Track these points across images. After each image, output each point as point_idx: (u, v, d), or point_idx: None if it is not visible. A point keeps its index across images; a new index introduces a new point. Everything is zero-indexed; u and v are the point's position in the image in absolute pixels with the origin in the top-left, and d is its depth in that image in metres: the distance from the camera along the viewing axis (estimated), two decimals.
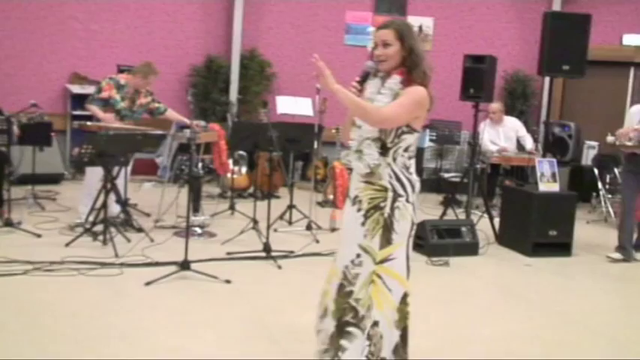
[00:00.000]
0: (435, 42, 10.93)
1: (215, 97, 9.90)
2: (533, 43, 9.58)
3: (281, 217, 7.02)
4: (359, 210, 3.17)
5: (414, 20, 10.81)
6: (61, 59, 9.50)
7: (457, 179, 8.23)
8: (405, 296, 3.18)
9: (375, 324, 3.08)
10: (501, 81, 10.92)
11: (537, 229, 6.35)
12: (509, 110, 10.29)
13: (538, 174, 6.49)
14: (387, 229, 3.09)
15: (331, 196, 8.38)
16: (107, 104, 6.49)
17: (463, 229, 6.37)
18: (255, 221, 6.32)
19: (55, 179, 8.69)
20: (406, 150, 3.14)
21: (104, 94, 6.47)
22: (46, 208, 7.14)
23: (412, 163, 3.17)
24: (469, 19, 11.06)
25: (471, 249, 6.28)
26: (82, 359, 3.52)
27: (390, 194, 3.10)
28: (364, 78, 3.27)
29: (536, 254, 6.31)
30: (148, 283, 4.74)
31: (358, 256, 3.15)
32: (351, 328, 3.14)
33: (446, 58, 10.90)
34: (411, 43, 3.12)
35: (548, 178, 6.49)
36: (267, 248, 5.64)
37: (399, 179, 3.11)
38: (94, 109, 6.49)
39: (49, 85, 9.49)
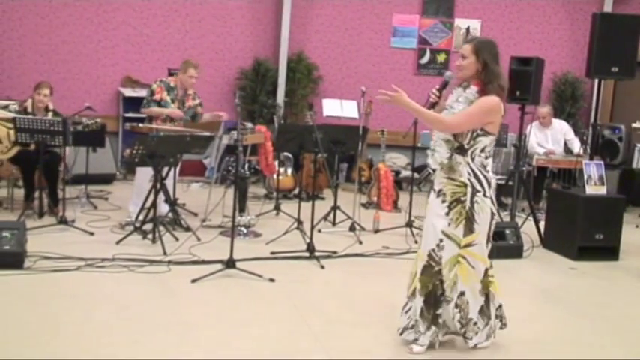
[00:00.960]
0: None
1: (262, 99, 10.05)
2: (584, 44, 9.44)
3: (325, 218, 7.09)
4: (443, 202, 3.73)
5: (461, 22, 10.79)
6: (114, 63, 9.79)
7: (502, 182, 8.17)
8: (486, 271, 3.84)
9: (462, 294, 3.76)
10: (550, 83, 10.79)
11: (583, 232, 6.27)
12: (558, 113, 10.17)
13: (585, 177, 6.41)
14: (470, 221, 3.68)
15: (375, 198, 8.42)
16: (159, 106, 6.67)
17: (507, 231, 6.33)
18: (299, 222, 6.41)
19: (107, 179, 8.95)
20: (482, 151, 3.68)
21: (157, 97, 6.66)
22: (98, 207, 7.37)
23: (489, 162, 3.71)
24: (517, 20, 10.95)
25: (514, 251, 6.24)
26: (132, 350, 3.65)
27: (469, 190, 3.66)
28: (443, 86, 3.81)
29: (582, 258, 6.23)
30: (194, 281, 4.87)
31: (441, 241, 3.73)
32: (442, 299, 3.79)
33: None
34: (485, 59, 3.64)
35: (595, 181, 6.40)
36: (310, 248, 5.72)
37: (476, 176, 3.66)
38: (155, 109, 6.67)
39: (103, 88, 9.80)
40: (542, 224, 6.89)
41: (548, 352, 4.04)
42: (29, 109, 6.78)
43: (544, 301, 5.15)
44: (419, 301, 3.81)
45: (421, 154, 8.54)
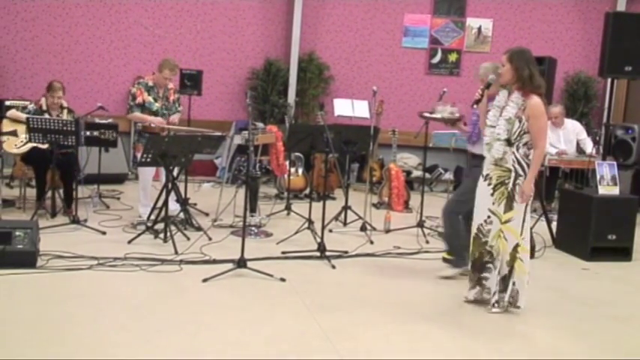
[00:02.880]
0: (494, 43, 10.82)
1: (273, 99, 10.07)
2: (596, 44, 9.40)
3: (336, 218, 7.09)
4: (489, 184, 4.51)
5: (472, 22, 10.76)
6: (126, 63, 9.84)
7: None
8: (516, 246, 4.50)
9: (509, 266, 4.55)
10: (562, 83, 10.74)
11: (596, 232, 6.24)
12: (571, 112, 10.12)
13: (598, 177, 6.37)
14: (510, 200, 4.43)
15: (386, 198, 8.41)
16: (144, 108, 6.66)
17: None
18: (310, 221, 6.42)
19: (119, 179, 8.99)
20: (525, 144, 4.42)
21: (139, 100, 6.64)
22: (110, 207, 7.41)
23: (531, 152, 4.43)
24: (529, 20, 10.91)
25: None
26: (143, 349, 3.67)
27: (513, 174, 4.42)
28: (486, 86, 4.64)
29: (595, 258, 6.20)
30: (205, 280, 4.88)
31: (489, 217, 4.52)
32: (488, 265, 4.60)
33: None
34: (517, 65, 4.39)
35: (608, 182, 6.36)
36: (321, 248, 5.72)
37: (520, 164, 4.42)
38: (138, 115, 6.66)
39: (115, 88, 9.85)
40: (554, 224, 6.86)
41: (560, 353, 4.02)
42: (44, 107, 6.84)
43: (556, 302, 5.12)
44: (468, 266, 4.81)
45: (432, 154, 8.56)
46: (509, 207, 4.43)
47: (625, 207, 6.39)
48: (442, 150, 8.08)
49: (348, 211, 7.18)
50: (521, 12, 10.90)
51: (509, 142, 4.40)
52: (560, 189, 7.83)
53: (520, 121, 4.37)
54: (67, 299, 4.40)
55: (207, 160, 9.57)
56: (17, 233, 5.00)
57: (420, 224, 6.86)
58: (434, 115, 5.66)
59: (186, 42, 10.05)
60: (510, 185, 4.41)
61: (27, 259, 4.95)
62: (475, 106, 4.70)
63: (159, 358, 3.59)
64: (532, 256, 6.17)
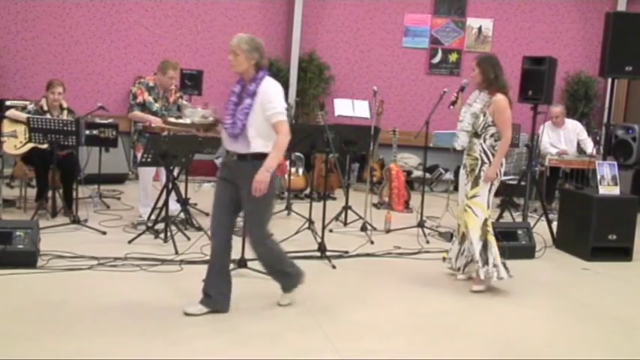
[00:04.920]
0: (495, 43, 10.83)
1: None
2: (597, 43, 9.40)
3: (336, 218, 7.09)
4: (465, 172, 5.13)
5: (473, 22, 10.76)
6: (127, 63, 9.84)
7: (514, 182, 8.13)
8: (485, 220, 5.09)
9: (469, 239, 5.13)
10: (562, 82, 10.74)
11: (596, 232, 6.24)
12: (571, 112, 10.12)
13: (598, 177, 6.37)
14: (476, 179, 5.05)
15: (387, 198, 8.41)
16: (144, 108, 6.66)
17: (519, 232, 6.30)
18: (310, 221, 6.42)
19: (119, 179, 9.00)
20: (492, 136, 5.03)
21: (139, 99, 6.63)
22: (110, 207, 7.42)
23: (498, 144, 5.02)
24: (529, 20, 10.91)
25: (527, 252, 6.22)
26: (143, 349, 3.67)
27: (479, 162, 5.04)
28: (461, 89, 5.39)
29: (595, 258, 6.20)
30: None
31: (464, 201, 5.14)
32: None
33: (505, 59, 10.67)
34: (484, 69, 5.04)
35: (608, 182, 6.36)
36: (322, 248, 5.72)
37: (485, 153, 5.04)
38: (138, 114, 6.65)
39: (115, 88, 9.85)
40: (554, 225, 6.86)
41: (560, 353, 4.02)
42: (45, 108, 6.83)
43: (557, 302, 5.12)
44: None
45: (433, 153, 8.55)
46: (475, 184, 5.05)
47: (625, 207, 6.39)
48: (442, 150, 8.07)
49: (349, 211, 7.18)
50: (521, 12, 10.91)
51: (476, 134, 5.06)
52: (561, 189, 7.83)
53: (484, 115, 5.00)
54: (68, 299, 4.40)
55: (208, 160, 9.57)
56: (18, 233, 5.01)
57: (421, 224, 6.86)
58: (181, 121, 4.51)
59: (186, 42, 10.06)
60: (477, 170, 5.03)
61: (27, 259, 4.96)
62: (451, 106, 5.36)
63: (159, 358, 3.59)
64: (532, 256, 6.23)
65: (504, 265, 5.13)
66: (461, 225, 5.23)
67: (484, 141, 5.04)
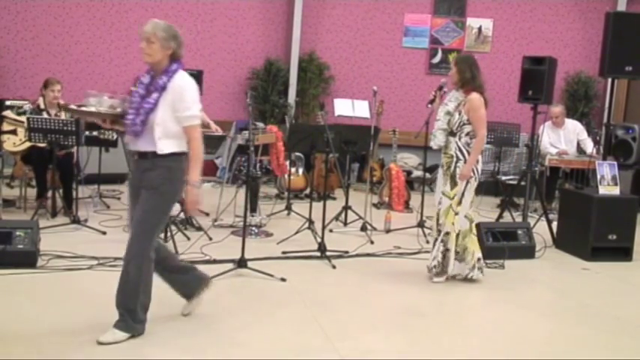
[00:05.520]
0: (494, 43, 10.84)
1: (274, 99, 10.07)
2: (597, 43, 9.39)
3: (336, 218, 7.09)
4: (443, 170, 5.17)
5: (473, 22, 10.76)
6: (127, 63, 9.84)
7: (514, 182, 8.13)
8: (470, 223, 5.19)
9: (447, 234, 5.17)
10: (562, 82, 10.74)
11: (596, 232, 6.24)
12: (571, 112, 10.12)
13: (598, 177, 6.37)
14: (453, 179, 5.09)
15: (387, 198, 8.41)
16: None
17: (519, 232, 6.30)
18: (310, 221, 6.42)
19: (119, 179, 8.98)
20: (467, 134, 5.08)
21: None
22: (110, 207, 7.41)
23: (473, 141, 5.07)
24: (529, 20, 10.91)
25: (527, 252, 6.21)
26: (143, 349, 3.67)
27: (454, 160, 5.09)
28: (439, 89, 5.47)
29: (595, 258, 6.20)
30: None
31: (440, 198, 5.19)
32: (435, 243, 5.25)
33: (505, 60, 10.83)
34: (461, 68, 5.10)
35: (608, 182, 6.36)
36: (322, 248, 5.72)
37: (461, 151, 5.09)
38: None
39: (115, 88, 9.79)
40: (554, 225, 6.86)
41: (559, 353, 4.02)
42: (42, 106, 6.82)
43: (556, 302, 5.13)
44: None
45: (433, 153, 8.53)
46: (453, 184, 5.11)
47: (625, 207, 6.39)
48: None
49: (349, 211, 7.18)
50: (521, 12, 10.91)
51: (452, 133, 5.12)
52: (561, 189, 7.83)
53: (459, 114, 5.08)
54: (68, 299, 4.40)
55: (208, 160, 9.57)
56: (18, 233, 5.01)
57: (421, 224, 6.86)
58: (85, 109, 3.89)
59: (186, 42, 9.86)
60: (453, 168, 5.08)
61: (27, 259, 4.96)
62: (429, 105, 5.47)
63: (159, 358, 3.59)
64: (532, 256, 6.23)
65: (480, 265, 5.29)
66: (443, 226, 5.18)
67: (459, 139, 5.10)
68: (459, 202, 5.12)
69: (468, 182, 5.10)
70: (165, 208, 3.70)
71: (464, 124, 5.07)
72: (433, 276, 5.25)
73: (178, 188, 3.68)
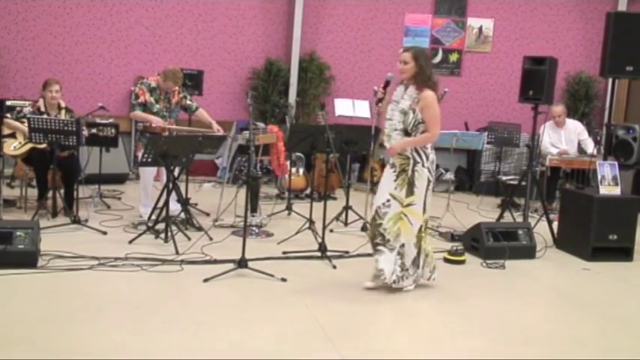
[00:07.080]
0: (495, 43, 10.83)
1: (274, 99, 10.06)
2: (598, 43, 9.39)
3: (337, 218, 7.09)
4: (394, 172, 4.84)
5: (473, 22, 10.75)
6: (127, 63, 9.84)
7: (515, 182, 8.13)
8: (420, 227, 4.87)
9: (402, 245, 4.84)
10: (563, 82, 10.73)
11: (597, 233, 6.23)
12: (572, 112, 10.12)
13: (599, 177, 6.37)
14: (410, 185, 4.78)
15: None
16: (145, 108, 6.65)
17: (520, 232, 6.29)
18: (311, 222, 6.41)
19: (120, 179, 9.00)
20: (422, 133, 4.77)
21: (141, 99, 6.62)
22: (111, 207, 7.41)
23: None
24: (530, 20, 10.91)
25: (527, 252, 6.21)
26: (144, 349, 3.66)
27: (411, 161, 4.77)
28: (386, 84, 4.98)
29: (596, 258, 6.19)
30: (206, 280, 4.87)
31: (388, 200, 4.83)
32: (379, 247, 4.88)
33: (506, 60, 10.82)
34: (421, 64, 4.77)
35: (609, 182, 6.36)
36: (322, 248, 5.71)
37: (417, 152, 4.78)
38: (139, 114, 6.64)
39: (116, 88, 9.85)
40: (555, 225, 6.85)
41: (559, 353, 4.02)
42: (42, 108, 6.81)
43: (557, 302, 5.12)
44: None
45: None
46: (410, 192, 4.78)
47: (626, 207, 6.38)
48: (443, 150, 8.06)
49: (349, 211, 7.17)
50: (522, 12, 10.90)
51: (406, 132, 4.79)
52: (562, 189, 7.82)
53: (414, 112, 4.76)
54: (68, 299, 4.40)
55: (208, 160, 9.57)
56: (18, 233, 5.00)
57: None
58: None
59: (186, 42, 10.05)
60: (410, 172, 4.77)
61: (28, 259, 4.95)
62: (379, 104, 5.01)
63: (159, 358, 3.58)
64: (533, 256, 6.23)
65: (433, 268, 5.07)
66: (389, 233, 4.82)
67: None
68: (424, 210, 4.83)
69: (427, 189, 4.81)
70: None
71: (419, 123, 4.74)
72: (392, 283, 4.89)
73: None
